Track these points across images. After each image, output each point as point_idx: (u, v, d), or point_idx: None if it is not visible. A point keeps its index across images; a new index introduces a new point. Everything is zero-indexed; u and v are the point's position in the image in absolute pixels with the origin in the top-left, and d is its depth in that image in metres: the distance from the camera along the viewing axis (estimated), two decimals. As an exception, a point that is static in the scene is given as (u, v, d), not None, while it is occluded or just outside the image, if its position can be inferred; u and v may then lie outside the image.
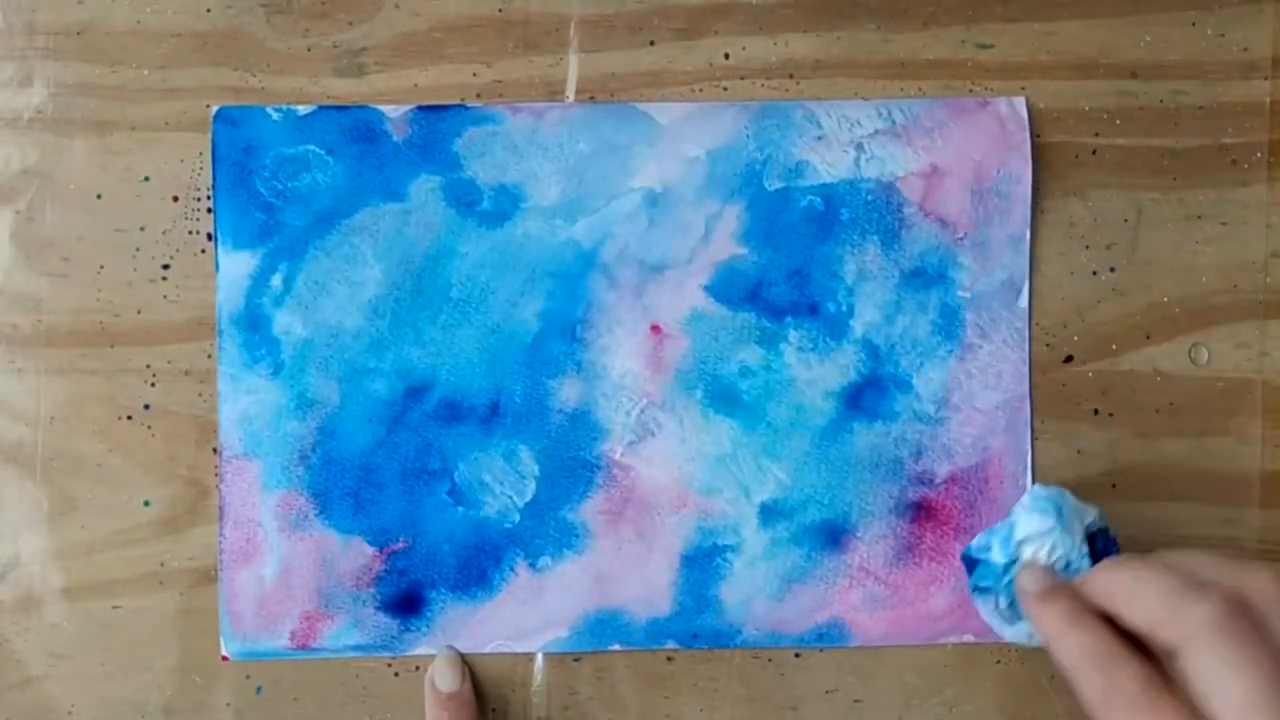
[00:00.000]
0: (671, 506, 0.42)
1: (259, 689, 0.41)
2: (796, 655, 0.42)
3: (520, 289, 0.41)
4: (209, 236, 0.41)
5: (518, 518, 0.41)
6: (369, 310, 0.41)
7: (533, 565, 0.41)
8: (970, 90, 0.42)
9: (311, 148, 0.41)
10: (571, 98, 0.41)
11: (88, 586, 0.41)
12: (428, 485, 0.41)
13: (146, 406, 0.41)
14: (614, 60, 0.42)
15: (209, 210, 0.41)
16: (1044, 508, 0.37)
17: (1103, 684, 0.32)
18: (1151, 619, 0.32)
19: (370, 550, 0.41)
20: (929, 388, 0.42)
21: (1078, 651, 0.33)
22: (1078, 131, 0.42)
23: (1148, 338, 0.43)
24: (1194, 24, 0.42)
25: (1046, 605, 0.35)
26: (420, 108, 0.41)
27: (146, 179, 0.41)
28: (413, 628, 0.41)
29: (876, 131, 0.42)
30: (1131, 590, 0.33)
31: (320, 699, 0.42)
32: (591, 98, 0.41)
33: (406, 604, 0.41)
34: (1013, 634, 0.39)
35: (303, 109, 0.41)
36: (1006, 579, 0.38)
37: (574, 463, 0.41)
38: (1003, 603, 0.38)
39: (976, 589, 0.39)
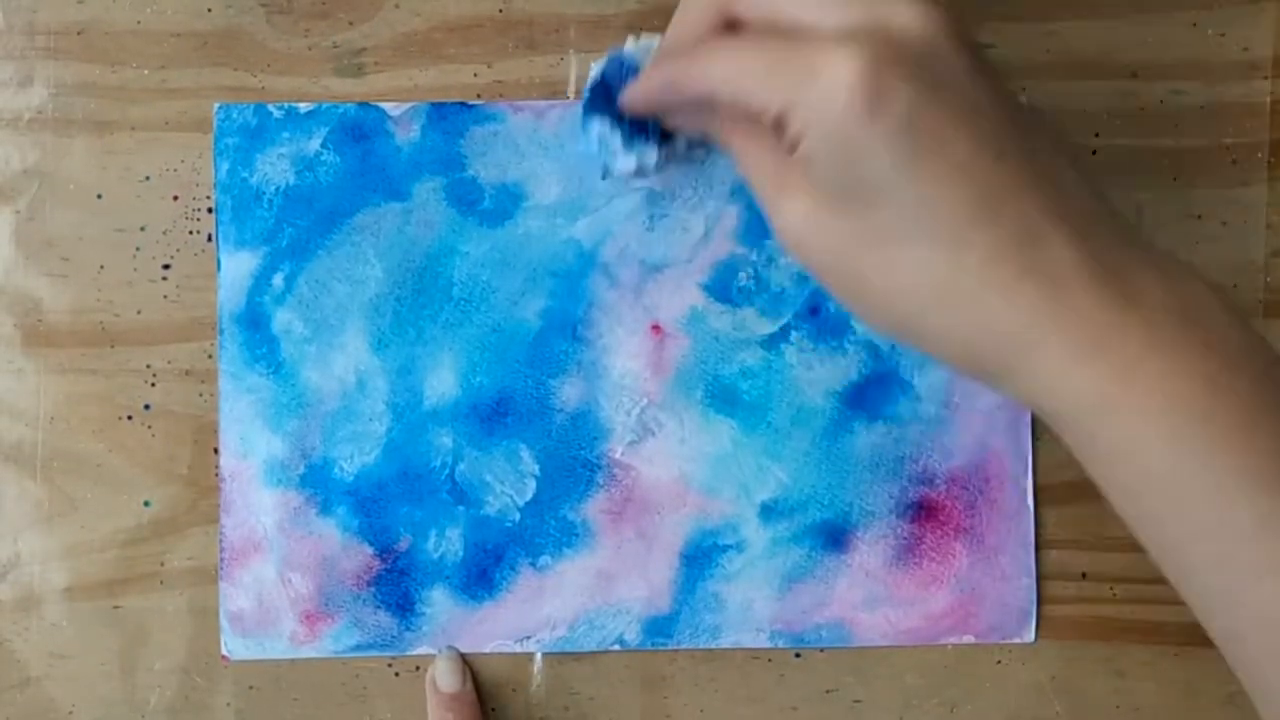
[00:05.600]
0: (672, 506, 0.42)
1: (259, 689, 0.41)
2: (797, 655, 0.42)
3: (521, 288, 0.41)
4: (209, 236, 0.41)
5: (518, 517, 0.41)
6: (370, 309, 0.41)
7: (534, 564, 0.41)
8: (971, 90, 0.42)
9: (313, 146, 0.41)
10: (572, 97, 0.41)
11: (88, 586, 0.41)
12: (428, 484, 0.41)
13: (147, 406, 0.41)
14: (615, 60, 0.42)
15: (209, 210, 0.41)
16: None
17: (684, 63, 0.33)
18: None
19: (370, 550, 0.41)
20: (930, 387, 0.42)
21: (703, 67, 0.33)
22: (1078, 131, 0.42)
23: (1148, 338, 0.43)
24: (1194, 24, 0.42)
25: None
26: (422, 106, 0.41)
27: (147, 179, 0.41)
28: (413, 627, 0.41)
29: (877, 131, 0.42)
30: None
31: (320, 699, 0.42)
32: (592, 97, 0.41)
33: (407, 603, 0.41)
34: (623, 162, 0.38)
35: (304, 107, 0.41)
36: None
37: (574, 462, 0.41)
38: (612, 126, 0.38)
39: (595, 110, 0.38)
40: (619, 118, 0.38)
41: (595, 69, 0.38)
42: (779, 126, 0.31)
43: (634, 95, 0.36)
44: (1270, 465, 0.29)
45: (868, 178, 0.30)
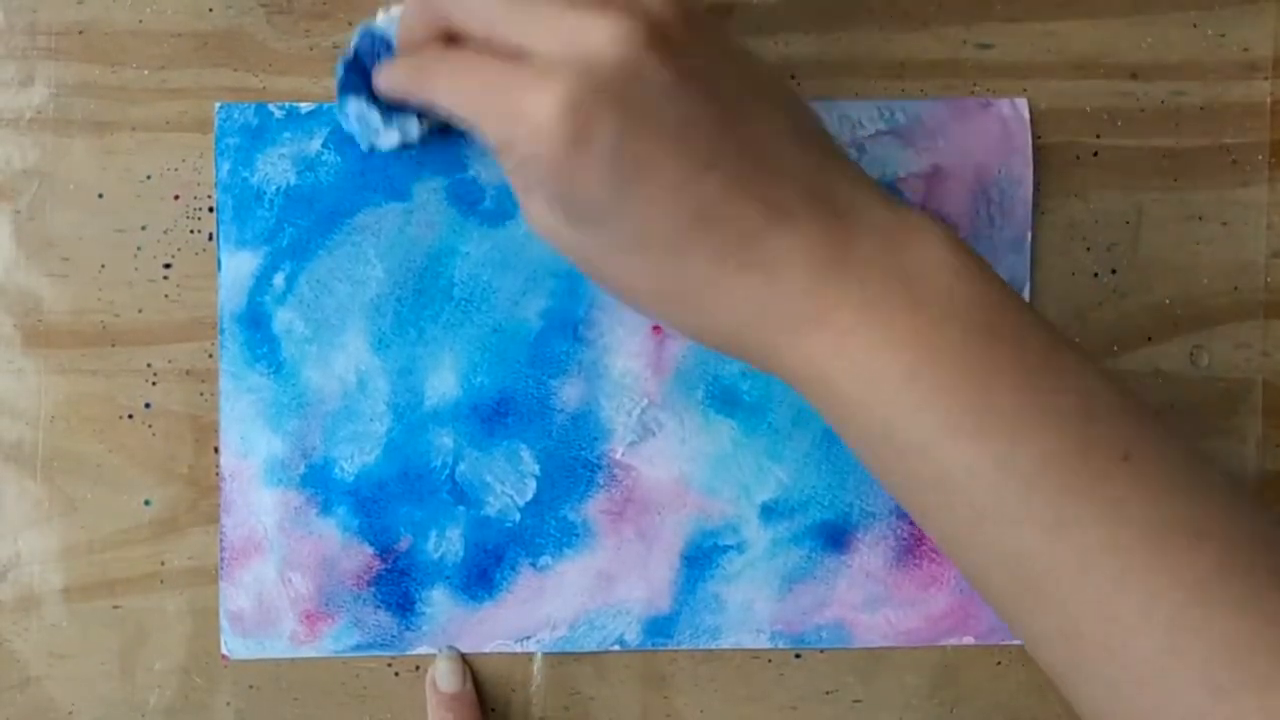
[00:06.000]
0: (672, 506, 0.42)
1: (259, 689, 0.41)
2: (797, 655, 0.42)
3: (522, 288, 0.41)
4: (210, 236, 0.41)
5: (518, 517, 0.41)
6: (371, 309, 0.41)
7: (534, 564, 0.41)
8: (972, 91, 0.42)
9: (314, 146, 0.41)
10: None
11: (88, 586, 0.41)
12: (429, 484, 0.41)
13: (147, 406, 0.41)
14: (615, 60, 0.41)
15: (210, 209, 0.41)
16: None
17: (412, 73, 0.35)
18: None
19: (371, 550, 0.41)
20: (930, 388, 0.42)
21: (410, 70, 0.36)
22: (1078, 132, 0.42)
23: (1148, 339, 0.43)
24: (1194, 24, 0.42)
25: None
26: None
27: (148, 178, 0.41)
28: (413, 627, 0.41)
29: (878, 132, 0.42)
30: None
31: (320, 699, 0.42)
32: (593, 97, 0.41)
33: (407, 603, 0.41)
34: (385, 138, 0.39)
35: (305, 107, 0.41)
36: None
37: (575, 462, 0.41)
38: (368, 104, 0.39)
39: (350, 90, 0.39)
40: (373, 94, 0.38)
41: (349, 44, 0.39)
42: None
43: (381, 84, 0.37)
44: (972, 416, 0.31)
45: (586, 205, 0.31)
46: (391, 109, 0.39)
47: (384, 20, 0.38)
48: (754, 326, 0.33)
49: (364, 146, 0.40)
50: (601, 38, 0.30)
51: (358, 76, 0.38)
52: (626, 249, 0.32)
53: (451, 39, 0.35)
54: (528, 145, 0.31)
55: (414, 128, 0.39)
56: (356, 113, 0.39)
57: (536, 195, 0.33)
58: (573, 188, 0.31)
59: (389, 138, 0.39)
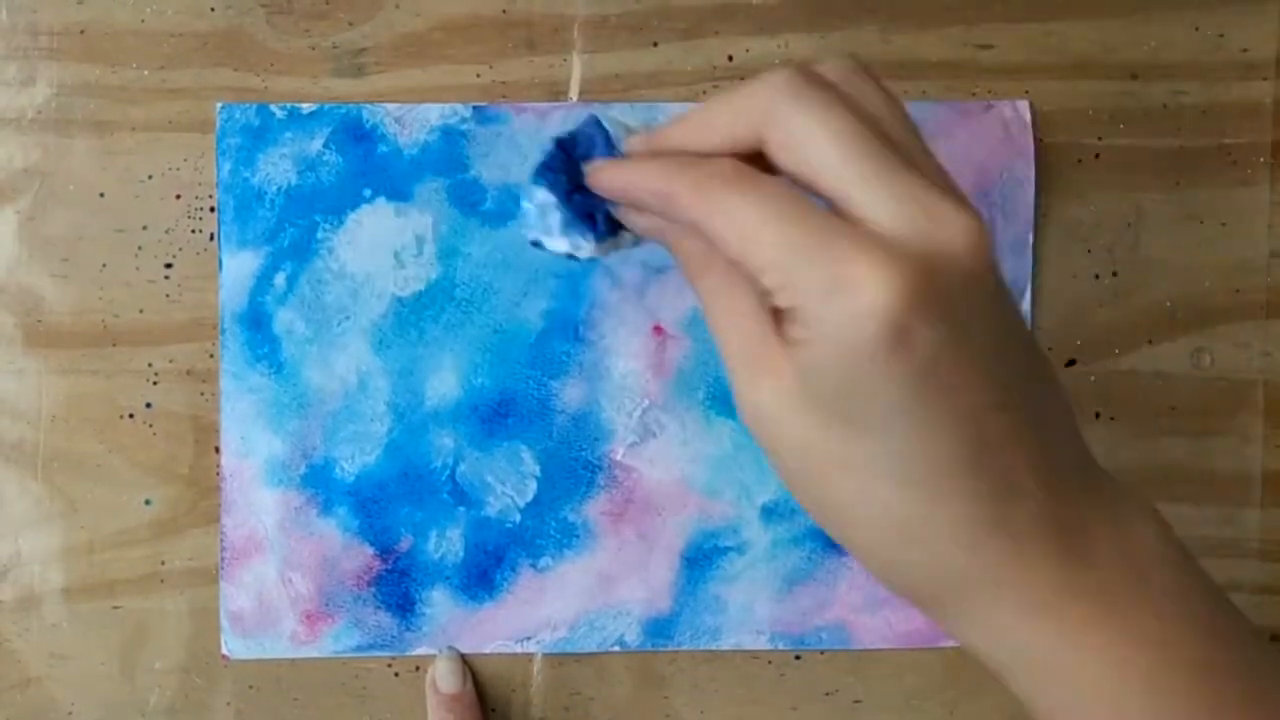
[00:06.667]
0: (673, 507, 0.42)
1: (259, 689, 0.41)
2: (797, 657, 0.42)
3: (523, 289, 0.41)
4: (211, 236, 0.41)
5: (519, 518, 0.41)
6: (372, 309, 0.41)
7: (534, 565, 0.41)
8: (973, 92, 0.42)
9: (315, 147, 0.41)
10: (575, 98, 0.41)
11: (88, 586, 0.41)
12: (429, 485, 0.41)
13: (148, 406, 0.41)
14: (617, 61, 0.42)
15: (211, 209, 0.41)
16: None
17: (693, 179, 0.29)
18: (729, 122, 0.29)
19: (371, 550, 0.41)
20: (931, 388, 0.42)
21: (662, 174, 0.30)
22: (1079, 133, 0.42)
23: (1149, 340, 0.43)
24: (1194, 25, 0.42)
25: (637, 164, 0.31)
26: (424, 107, 0.41)
27: (149, 178, 0.41)
28: (413, 628, 0.41)
29: (879, 132, 0.42)
30: (702, 119, 0.30)
31: (320, 699, 0.42)
32: (595, 98, 0.41)
33: (407, 604, 0.41)
34: (554, 243, 0.33)
35: (306, 107, 0.41)
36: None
37: (575, 463, 0.41)
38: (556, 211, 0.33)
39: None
40: (569, 190, 0.32)
41: (566, 126, 0.34)
42: (778, 310, 0.28)
43: (612, 178, 0.32)
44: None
45: (863, 408, 0.27)
46: (578, 217, 0.33)
47: (623, 116, 0.34)
48: (972, 592, 0.29)
49: (529, 236, 0.34)
50: (955, 229, 0.27)
51: (560, 162, 0.33)
52: (875, 471, 0.28)
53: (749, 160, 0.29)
54: (837, 322, 0.26)
55: (587, 248, 0.33)
56: (542, 203, 0.33)
57: (785, 378, 0.28)
58: (862, 388, 0.27)
59: (558, 244, 0.33)
